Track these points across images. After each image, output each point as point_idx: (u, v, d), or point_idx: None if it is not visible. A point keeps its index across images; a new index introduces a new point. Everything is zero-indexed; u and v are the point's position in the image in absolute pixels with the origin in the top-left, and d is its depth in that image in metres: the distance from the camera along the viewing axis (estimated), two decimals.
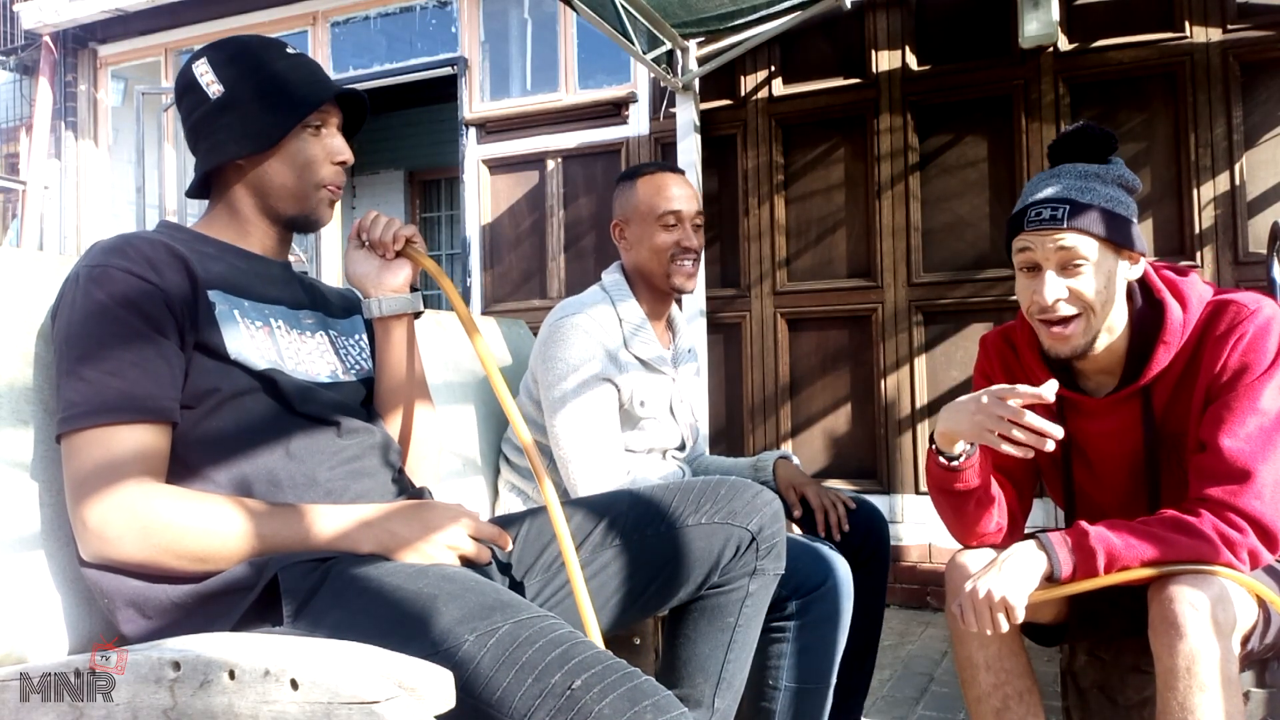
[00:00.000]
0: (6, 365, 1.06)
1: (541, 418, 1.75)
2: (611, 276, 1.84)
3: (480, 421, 1.93)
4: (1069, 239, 1.31)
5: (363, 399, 1.29)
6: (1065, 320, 1.35)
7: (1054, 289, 1.33)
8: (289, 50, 1.23)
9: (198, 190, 1.25)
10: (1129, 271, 1.37)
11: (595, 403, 1.67)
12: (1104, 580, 1.26)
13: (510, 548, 1.17)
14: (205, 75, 1.18)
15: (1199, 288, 1.39)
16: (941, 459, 1.36)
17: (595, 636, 1.10)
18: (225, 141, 1.17)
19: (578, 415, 1.66)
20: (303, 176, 1.21)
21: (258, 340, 1.13)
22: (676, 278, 1.80)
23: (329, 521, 1.07)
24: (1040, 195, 1.35)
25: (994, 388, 1.27)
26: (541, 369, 1.72)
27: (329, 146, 1.22)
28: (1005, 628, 1.25)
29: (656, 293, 1.83)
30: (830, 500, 1.79)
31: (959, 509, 1.41)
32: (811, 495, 1.81)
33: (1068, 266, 1.33)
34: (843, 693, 1.76)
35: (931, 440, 1.39)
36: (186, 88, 1.20)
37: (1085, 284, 1.33)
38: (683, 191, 1.82)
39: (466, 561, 1.10)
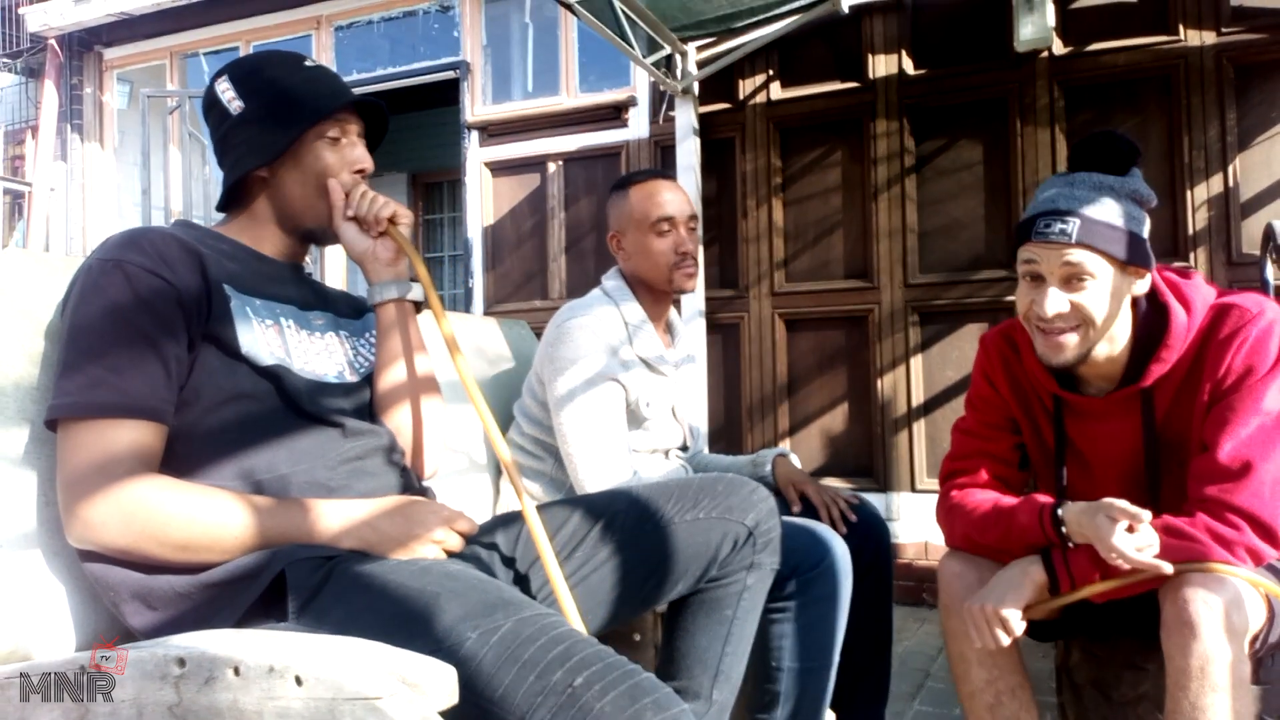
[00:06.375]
0: (13, 364, 1.06)
1: (547, 417, 1.77)
2: (612, 281, 1.85)
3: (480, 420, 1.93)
4: (1076, 255, 1.28)
5: (370, 400, 1.29)
6: (1062, 330, 1.32)
7: (1055, 303, 1.30)
8: (306, 63, 1.25)
9: (225, 204, 1.27)
10: (1136, 287, 1.34)
11: (601, 401, 1.69)
12: (1100, 587, 1.27)
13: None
14: (227, 92, 1.21)
15: (1203, 290, 1.37)
16: (1059, 530, 1.32)
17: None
18: (245, 155, 1.20)
19: (584, 413, 1.68)
20: (319, 186, 1.23)
21: (268, 337, 1.14)
22: (678, 280, 1.81)
23: (315, 516, 1.07)
24: (1051, 206, 1.32)
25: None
26: (548, 369, 1.73)
27: (347, 156, 1.24)
28: (1006, 642, 1.29)
29: (657, 294, 1.85)
30: (829, 497, 1.80)
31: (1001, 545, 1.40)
32: (811, 492, 1.82)
33: (1072, 281, 1.30)
34: (862, 702, 1.77)
35: (1056, 520, 1.33)
36: (210, 105, 1.23)
37: (1088, 299, 1.30)
38: (674, 196, 1.82)
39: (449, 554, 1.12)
